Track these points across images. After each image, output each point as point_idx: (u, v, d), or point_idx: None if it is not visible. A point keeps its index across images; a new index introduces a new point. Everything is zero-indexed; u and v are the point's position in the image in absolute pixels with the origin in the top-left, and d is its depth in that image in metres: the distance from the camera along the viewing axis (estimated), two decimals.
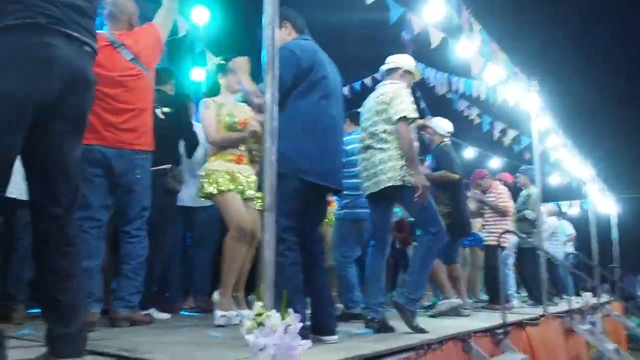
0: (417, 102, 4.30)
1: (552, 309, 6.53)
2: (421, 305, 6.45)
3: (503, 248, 7.08)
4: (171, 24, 4.30)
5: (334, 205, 5.61)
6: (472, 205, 7.66)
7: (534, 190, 7.62)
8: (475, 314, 6.10)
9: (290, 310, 2.21)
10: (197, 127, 4.95)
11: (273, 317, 2.16)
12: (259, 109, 3.33)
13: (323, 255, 3.59)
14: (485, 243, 7.63)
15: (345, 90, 9.30)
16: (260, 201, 4.00)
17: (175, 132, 4.82)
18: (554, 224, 10.06)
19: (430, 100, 9.68)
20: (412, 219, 6.02)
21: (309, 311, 3.35)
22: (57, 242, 2.14)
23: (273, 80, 2.59)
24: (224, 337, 3.37)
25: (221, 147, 4.33)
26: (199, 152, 5.14)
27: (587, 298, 8.07)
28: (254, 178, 4.39)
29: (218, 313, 4.00)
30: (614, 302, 10.51)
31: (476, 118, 10.37)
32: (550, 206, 10.63)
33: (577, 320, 6.75)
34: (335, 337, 3.31)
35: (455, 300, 5.73)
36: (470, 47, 6.29)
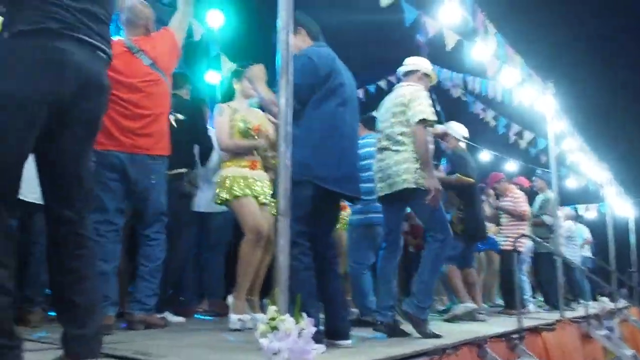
0: (432, 104, 4.28)
1: (568, 314, 6.48)
2: (435, 309, 6.44)
3: (519, 253, 7.03)
4: (187, 28, 4.32)
5: (348, 210, 5.60)
6: (487, 210, 7.62)
7: (551, 195, 7.57)
8: (491, 318, 6.07)
9: (304, 314, 2.21)
10: (212, 132, 4.96)
11: (287, 321, 2.16)
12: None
13: (336, 259, 3.59)
14: (501, 248, 7.59)
15: (360, 93, 9.30)
16: (274, 206, 4.01)
17: (190, 137, 4.83)
18: (570, 228, 9.99)
19: (445, 103, 9.65)
20: None
21: (323, 316, 3.35)
22: (71, 245, 2.15)
23: (287, 85, 2.59)
24: (238, 341, 3.37)
25: (234, 153, 4.34)
26: (214, 158, 5.16)
27: (604, 303, 8.00)
28: (268, 184, 4.39)
29: (234, 317, 4.00)
30: (632, 308, 10.40)
31: (492, 121, 10.34)
32: (567, 210, 10.57)
33: (594, 326, 6.68)
34: (349, 341, 3.30)
35: (470, 305, 5.71)
36: (485, 49, 6.27)
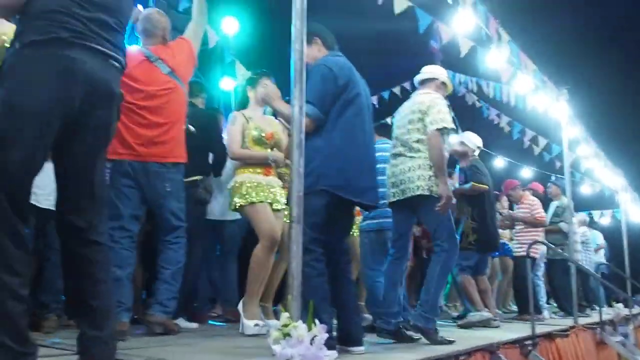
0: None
1: (582, 320, 6.44)
2: (450, 315, 6.43)
3: (533, 259, 7.00)
4: (201, 37, 4.35)
5: (360, 216, 5.60)
6: (501, 219, 7.59)
7: (565, 201, 7.54)
8: (505, 324, 6.05)
9: (317, 320, 2.23)
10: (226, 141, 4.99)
11: (300, 328, 2.18)
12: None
13: (349, 265, 3.60)
14: (515, 254, 7.56)
15: (374, 99, 9.31)
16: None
17: (205, 145, 4.87)
18: (585, 233, 9.93)
19: (460, 109, 9.64)
20: None
21: (336, 322, 3.36)
22: (84, 252, 2.16)
23: (300, 93, 2.61)
24: (250, 347, 3.38)
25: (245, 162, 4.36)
26: (227, 165, 5.18)
27: (619, 309, 7.95)
28: (282, 191, 4.40)
29: (248, 323, 4.02)
30: None
31: (506, 126, 10.32)
32: (581, 215, 10.51)
33: (609, 332, 6.64)
34: (362, 347, 3.30)
35: (486, 314, 5.70)
36: (499, 56, 6.27)
